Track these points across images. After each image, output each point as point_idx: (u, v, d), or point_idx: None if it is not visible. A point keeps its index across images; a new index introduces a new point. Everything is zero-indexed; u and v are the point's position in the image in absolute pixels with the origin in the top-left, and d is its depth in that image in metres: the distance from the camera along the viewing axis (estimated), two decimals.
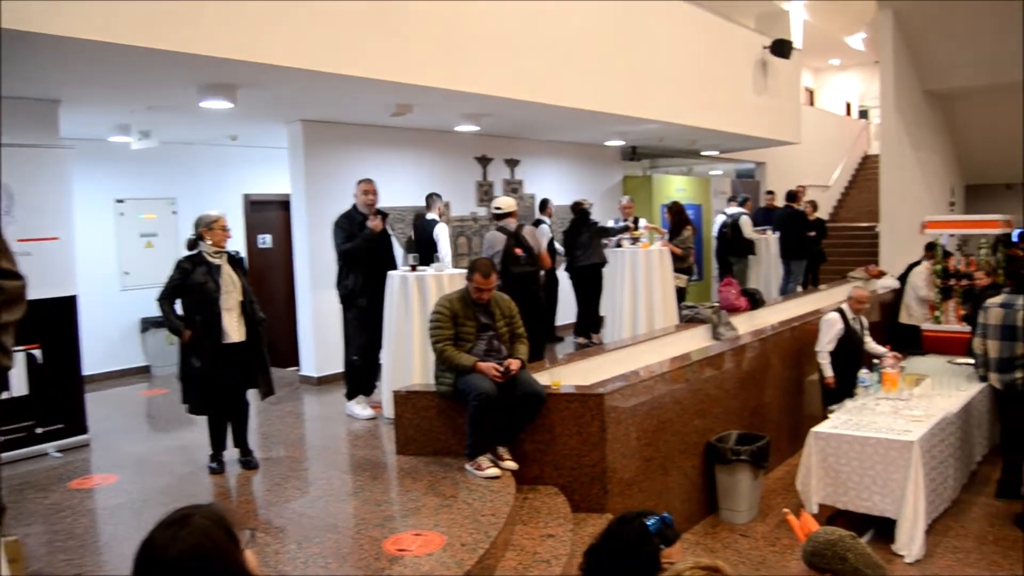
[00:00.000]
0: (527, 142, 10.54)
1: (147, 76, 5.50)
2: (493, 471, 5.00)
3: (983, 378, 7.01)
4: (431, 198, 8.12)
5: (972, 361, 7.35)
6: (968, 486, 6.87)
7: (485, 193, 9.79)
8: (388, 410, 6.26)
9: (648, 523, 2.87)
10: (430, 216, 7.98)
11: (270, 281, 9.46)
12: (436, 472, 5.16)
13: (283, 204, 9.00)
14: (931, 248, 10.39)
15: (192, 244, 5.30)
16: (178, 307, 5.26)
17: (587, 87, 7.97)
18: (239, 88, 5.97)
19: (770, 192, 13.54)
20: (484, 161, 9.97)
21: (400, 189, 8.77)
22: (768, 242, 11.95)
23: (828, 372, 7.16)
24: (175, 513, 1.61)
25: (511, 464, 5.14)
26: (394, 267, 6.49)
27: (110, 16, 4.38)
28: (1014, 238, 11.53)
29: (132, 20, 4.48)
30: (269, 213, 9.71)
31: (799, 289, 11.77)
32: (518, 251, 7.18)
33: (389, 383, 6.25)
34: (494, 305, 5.36)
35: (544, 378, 5.45)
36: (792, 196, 12.38)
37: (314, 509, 4.67)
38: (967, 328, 8.34)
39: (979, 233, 10.49)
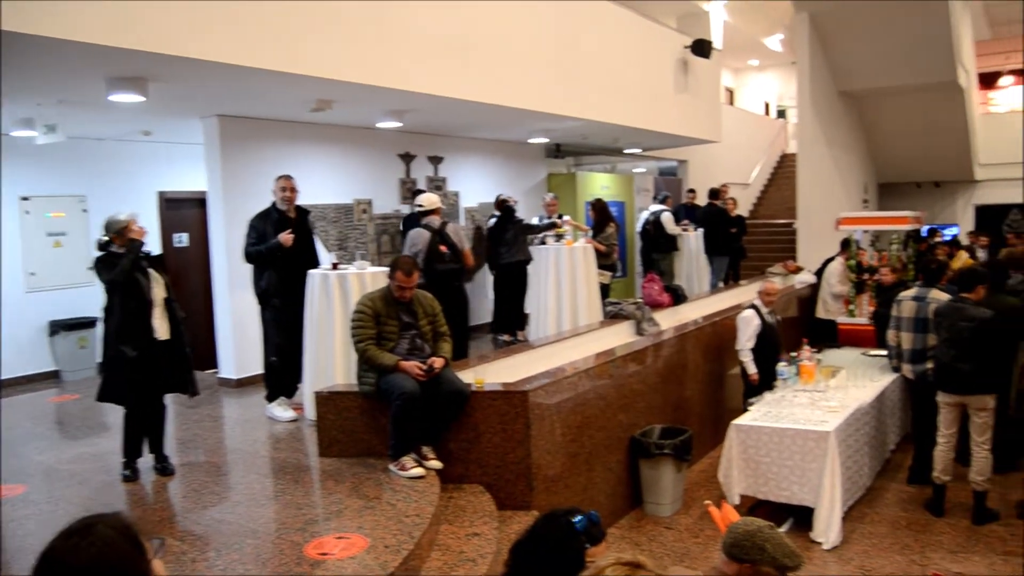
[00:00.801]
0: (451, 139, 10.48)
1: (53, 68, 5.26)
2: (417, 471, 4.95)
3: (896, 369, 7.25)
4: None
5: (885, 353, 7.59)
6: (882, 473, 7.11)
7: (409, 190, 9.70)
8: (310, 411, 6.15)
9: (575, 521, 2.88)
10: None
11: (187, 281, 9.19)
12: (359, 474, 5.09)
13: (200, 202, 8.76)
14: (846, 244, 10.70)
15: (103, 246, 5.10)
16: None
17: (510, 85, 7.96)
18: (150, 81, 5.76)
19: (691, 190, 13.77)
20: (407, 158, 9.88)
21: (321, 186, 8.62)
22: (692, 238, 12.14)
23: (752, 369, 7.29)
24: (77, 522, 1.54)
25: (436, 463, 5.10)
26: (315, 265, 6.37)
27: (11, 4, 4.17)
28: (923, 234, 11.98)
29: (36, 9, 4.28)
30: (185, 211, 9.44)
31: (720, 285, 12.00)
32: (443, 248, 7.14)
33: (311, 384, 6.14)
34: (416, 303, 5.31)
35: (468, 376, 5.43)
36: (714, 194, 12.60)
37: (233, 515, 4.55)
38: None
39: (891, 229, 10.81)
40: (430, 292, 5.57)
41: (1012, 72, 25.67)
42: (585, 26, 9.31)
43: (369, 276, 6.14)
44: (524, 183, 11.84)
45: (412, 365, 5.03)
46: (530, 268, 8.85)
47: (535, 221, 9.41)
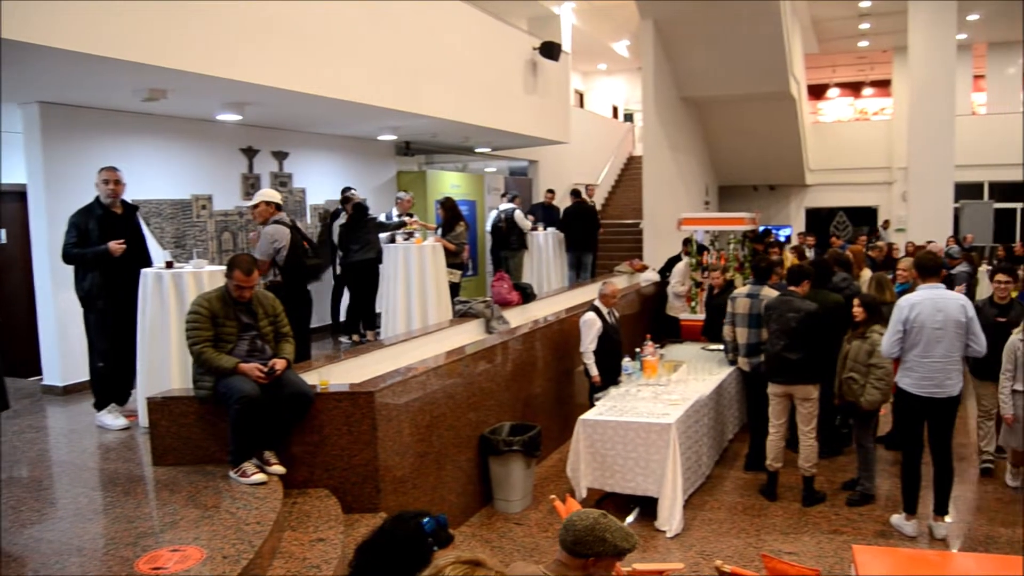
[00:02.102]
0: (297, 134, 10.18)
1: None
2: (259, 477, 4.77)
3: (732, 362, 7.62)
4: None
5: (723, 347, 7.94)
6: (721, 462, 7.45)
7: (252, 186, 9.33)
8: (144, 418, 5.80)
9: (424, 523, 2.86)
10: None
11: (6, 281, 8.50)
12: (197, 482, 4.85)
13: (20, 195, 8.12)
14: (687, 243, 11.14)
15: None
16: None
17: (357, 80, 7.81)
18: None
19: (550, 190, 13.96)
20: (250, 153, 9.51)
21: (156, 181, 8.18)
22: (541, 236, 12.31)
23: (594, 371, 7.42)
24: None
25: (278, 468, 4.94)
26: (147, 264, 6.02)
27: None
28: (760, 232, 12.62)
29: None
30: (3, 205, 8.72)
31: (588, 278, 12.29)
32: (305, 243, 6.93)
33: (144, 389, 5.79)
34: (256, 303, 5.11)
35: (312, 377, 5.28)
36: (577, 193, 12.95)
37: (55, 532, 4.22)
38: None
39: (729, 229, 11.31)
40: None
41: (838, 84, 27.52)
42: (433, 24, 9.26)
43: (207, 275, 5.86)
44: (373, 180, 11.67)
45: (252, 367, 4.84)
46: (380, 267, 8.73)
47: (383, 218, 9.29)
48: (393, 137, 11.35)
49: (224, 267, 5.28)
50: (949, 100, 16.09)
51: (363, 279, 8.98)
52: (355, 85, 7.78)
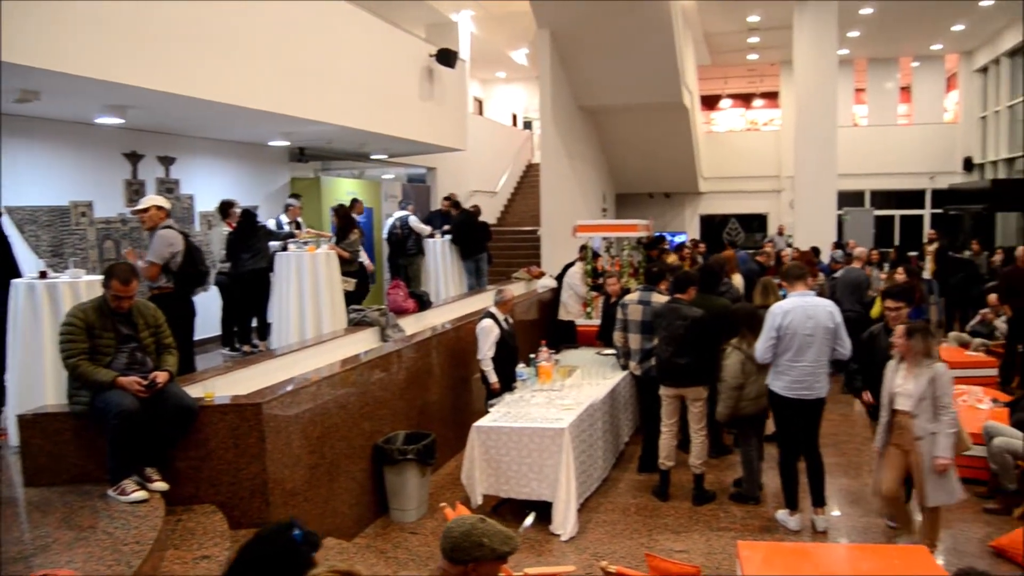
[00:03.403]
0: (184, 138, 9.87)
1: None
2: (140, 494, 4.59)
3: (624, 367, 7.74)
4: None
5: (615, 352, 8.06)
6: (617, 464, 7.55)
7: (136, 192, 9.00)
8: (15, 437, 5.50)
9: (295, 535, 2.82)
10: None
11: None
12: (72, 502, 4.62)
13: None
14: (583, 250, 11.28)
15: None
16: None
17: (244, 83, 7.63)
18: None
19: (447, 197, 13.92)
20: (134, 158, 9.16)
21: (31, 186, 7.80)
22: (442, 244, 12.27)
23: (493, 378, 7.42)
24: None
25: (161, 485, 4.76)
26: (15, 275, 5.72)
27: None
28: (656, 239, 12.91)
29: None
30: None
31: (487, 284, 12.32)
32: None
33: (16, 406, 5.48)
34: (137, 314, 4.92)
35: (197, 390, 5.11)
36: (458, 204, 12.96)
37: None
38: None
39: (623, 236, 11.49)
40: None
41: (730, 96, 28.43)
42: (325, 28, 9.14)
43: (84, 285, 5.58)
44: (266, 187, 11.43)
45: (131, 380, 4.66)
46: (271, 275, 8.52)
47: (272, 225, 9.10)
48: (286, 143, 11.15)
49: (99, 277, 5.06)
50: (832, 112, 16.80)
51: (253, 288, 8.75)
52: (242, 89, 7.60)
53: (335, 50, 9.29)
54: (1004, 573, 5.22)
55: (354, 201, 10.94)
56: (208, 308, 9.08)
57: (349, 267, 8.81)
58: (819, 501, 6.07)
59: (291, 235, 8.88)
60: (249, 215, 8.76)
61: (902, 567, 4.43)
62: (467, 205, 13.20)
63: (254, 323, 8.99)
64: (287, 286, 7.95)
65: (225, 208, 8.96)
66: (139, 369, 4.82)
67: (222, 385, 5.57)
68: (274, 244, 8.74)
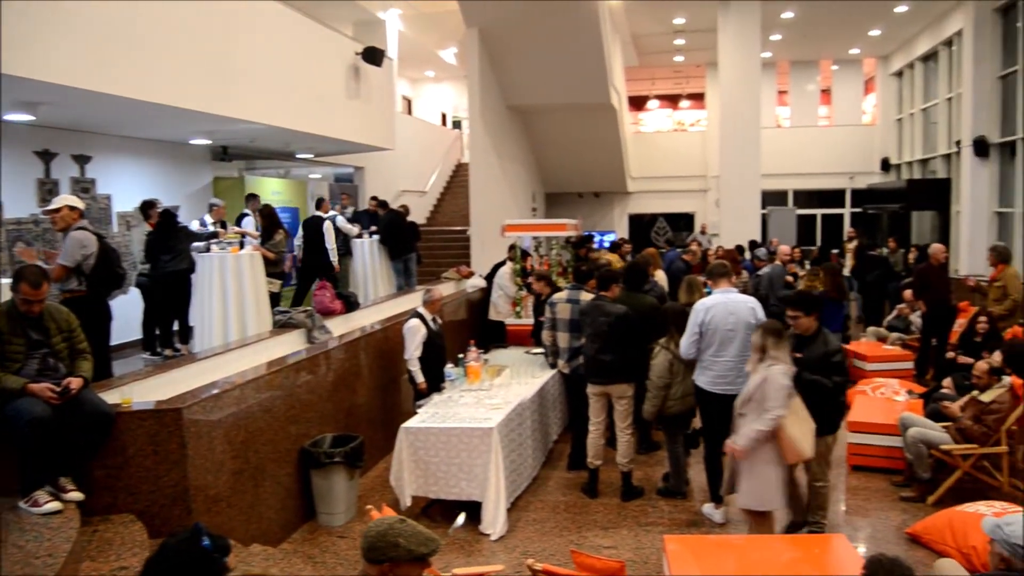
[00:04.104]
0: (100, 136, 9.55)
1: None
2: (53, 505, 4.43)
3: (553, 365, 7.78)
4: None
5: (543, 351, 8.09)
6: (547, 462, 7.58)
7: (49, 192, 8.68)
8: None
9: (205, 543, 2.77)
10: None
11: None
12: None
13: None
14: (512, 249, 11.29)
15: None
16: None
17: (160, 80, 7.43)
18: None
19: (374, 198, 13.81)
20: (47, 156, 8.84)
21: None
22: (370, 244, 12.16)
23: (420, 378, 7.37)
24: None
25: (76, 495, 4.60)
26: None
27: None
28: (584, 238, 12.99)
29: None
30: None
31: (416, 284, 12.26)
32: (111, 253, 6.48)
33: None
34: (48, 319, 4.74)
35: (114, 396, 4.96)
36: (385, 204, 12.85)
37: None
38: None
39: (551, 235, 11.55)
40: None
41: (658, 97, 28.83)
42: (246, 25, 8.96)
43: None
44: (187, 187, 11.15)
45: (43, 387, 4.49)
46: (192, 277, 8.31)
47: (195, 226, 8.89)
48: (208, 141, 10.90)
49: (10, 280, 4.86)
50: (755, 113, 17.15)
51: (174, 291, 8.51)
52: (158, 85, 7.39)
53: (256, 47, 9.12)
54: (918, 558, 5.40)
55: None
56: (128, 311, 8.84)
57: (274, 268, 8.66)
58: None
59: (214, 235, 8.67)
60: (169, 215, 8.52)
61: (822, 555, 4.55)
62: (395, 205, 13.12)
63: (176, 326, 8.73)
64: (209, 288, 7.78)
65: (146, 208, 8.70)
66: (51, 375, 4.65)
67: (142, 390, 5.43)
68: (197, 245, 8.52)
